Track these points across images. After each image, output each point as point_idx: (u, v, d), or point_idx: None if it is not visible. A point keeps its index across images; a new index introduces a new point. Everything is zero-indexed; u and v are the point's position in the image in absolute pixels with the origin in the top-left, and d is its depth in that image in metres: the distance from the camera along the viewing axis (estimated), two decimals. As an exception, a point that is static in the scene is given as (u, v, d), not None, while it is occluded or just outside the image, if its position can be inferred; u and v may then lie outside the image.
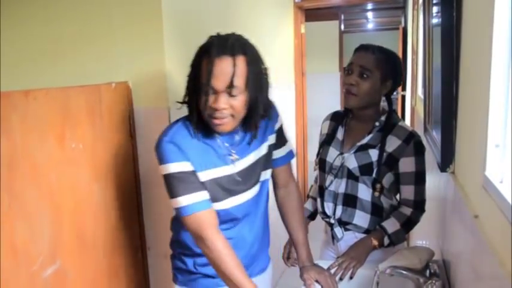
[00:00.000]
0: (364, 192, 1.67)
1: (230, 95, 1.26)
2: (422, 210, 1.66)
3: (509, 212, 0.76)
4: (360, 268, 1.59)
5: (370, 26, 10.06)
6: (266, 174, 1.55)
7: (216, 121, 1.28)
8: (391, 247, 1.66)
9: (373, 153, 1.64)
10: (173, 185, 1.29)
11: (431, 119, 1.97)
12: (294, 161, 3.79)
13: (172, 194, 1.30)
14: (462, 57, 1.30)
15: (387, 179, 1.64)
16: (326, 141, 1.79)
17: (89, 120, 1.48)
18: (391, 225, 1.64)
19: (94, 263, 1.51)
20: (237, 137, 1.41)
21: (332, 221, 1.74)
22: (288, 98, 3.96)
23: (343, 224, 1.72)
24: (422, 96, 2.66)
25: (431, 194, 1.64)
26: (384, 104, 1.72)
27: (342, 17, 7.31)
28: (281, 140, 1.58)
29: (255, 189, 1.48)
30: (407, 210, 1.64)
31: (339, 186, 1.71)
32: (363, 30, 9.97)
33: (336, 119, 1.83)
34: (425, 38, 2.29)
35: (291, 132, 4.07)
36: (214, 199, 1.35)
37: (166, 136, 1.30)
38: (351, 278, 1.58)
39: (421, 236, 2.34)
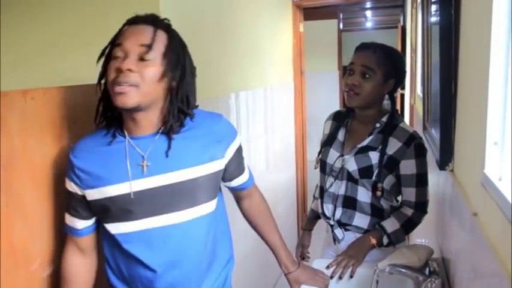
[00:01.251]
0: (363, 194, 1.65)
1: (141, 58, 1.10)
2: (424, 212, 1.64)
3: (508, 209, 0.76)
4: (359, 267, 1.59)
5: (369, 24, 10.07)
6: (207, 207, 1.26)
7: (118, 88, 1.08)
8: (391, 247, 1.65)
9: (373, 156, 1.62)
10: (67, 199, 1.26)
11: (430, 117, 1.97)
12: (292, 161, 3.84)
13: (66, 206, 1.28)
14: (461, 55, 1.30)
15: (388, 181, 1.62)
16: (327, 142, 1.77)
17: (87, 120, 1.47)
18: (390, 224, 1.63)
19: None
20: (154, 141, 1.19)
21: (332, 222, 1.74)
22: (287, 96, 3.96)
23: (343, 225, 1.71)
24: (421, 95, 2.66)
25: (430, 192, 1.64)
26: (386, 102, 1.70)
27: (341, 15, 7.31)
28: (241, 164, 1.39)
29: (180, 217, 1.21)
30: (408, 211, 1.63)
31: (339, 188, 1.69)
32: (361, 28, 9.99)
33: (338, 119, 1.80)
34: (424, 36, 2.29)
35: (290, 131, 4.07)
36: (112, 219, 1.22)
37: (72, 147, 1.24)
38: (350, 276, 1.57)
39: (421, 234, 2.34)
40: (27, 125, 1.21)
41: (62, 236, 1.34)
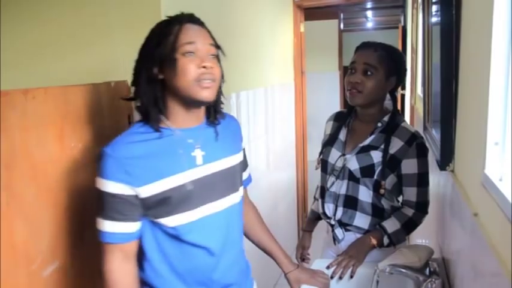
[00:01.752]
0: (364, 194, 1.65)
1: (213, 55, 1.22)
2: (425, 212, 1.64)
3: (509, 209, 0.76)
4: (359, 267, 1.59)
5: (369, 24, 10.06)
6: (234, 198, 1.34)
7: (206, 83, 1.17)
8: (392, 247, 1.65)
9: (375, 155, 1.62)
10: (103, 204, 1.19)
11: (431, 118, 1.98)
12: (293, 161, 3.85)
13: (99, 213, 1.20)
14: (461, 55, 1.30)
15: (389, 181, 1.62)
16: (328, 142, 1.78)
17: (88, 119, 1.47)
18: (391, 225, 1.63)
19: (94, 262, 1.51)
20: (203, 131, 1.28)
21: (332, 222, 1.73)
22: (287, 97, 3.96)
23: (344, 225, 1.71)
24: (421, 95, 2.66)
25: (431, 192, 1.64)
26: (387, 102, 1.70)
27: (342, 15, 7.31)
28: (245, 160, 1.49)
29: (228, 201, 1.30)
30: (409, 211, 1.63)
31: (340, 187, 1.69)
32: (362, 29, 9.98)
33: (340, 119, 1.81)
34: (424, 36, 2.29)
35: (290, 131, 4.07)
36: (170, 212, 1.21)
37: (108, 147, 1.18)
38: (351, 277, 1.57)
39: (421, 234, 2.34)
40: (28, 124, 1.21)
41: (62, 235, 1.34)
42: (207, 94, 1.18)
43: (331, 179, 1.72)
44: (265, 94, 3.24)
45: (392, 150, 1.60)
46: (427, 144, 1.66)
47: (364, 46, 1.67)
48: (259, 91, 3.09)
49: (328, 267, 1.59)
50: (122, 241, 1.21)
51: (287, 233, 3.73)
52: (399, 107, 6.36)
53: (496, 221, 0.84)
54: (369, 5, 7.71)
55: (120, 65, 1.74)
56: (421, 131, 2.15)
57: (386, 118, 1.65)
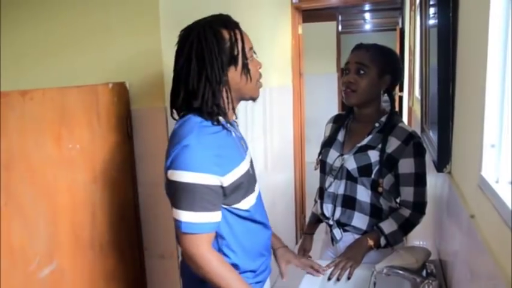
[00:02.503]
0: (362, 193, 1.66)
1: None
2: (422, 213, 1.65)
3: (505, 211, 0.76)
4: (357, 268, 1.59)
5: (367, 26, 10.08)
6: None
7: (260, 83, 1.36)
8: (389, 248, 1.65)
9: (372, 155, 1.63)
10: (190, 196, 1.20)
11: (428, 120, 1.98)
12: (291, 162, 3.86)
13: (186, 206, 1.21)
14: (458, 58, 1.30)
15: (387, 181, 1.63)
16: (327, 143, 1.80)
17: (86, 121, 1.47)
18: (388, 226, 1.63)
19: (91, 263, 1.51)
20: (235, 125, 1.45)
21: (331, 222, 1.74)
22: (285, 98, 3.96)
23: (342, 225, 1.72)
24: (419, 97, 2.66)
25: (428, 194, 1.65)
26: (385, 104, 1.72)
27: (340, 17, 7.32)
28: None
29: (257, 185, 1.47)
30: (406, 212, 1.64)
31: (338, 187, 1.71)
32: (360, 31, 10.00)
33: (338, 121, 1.84)
34: (422, 39, 2.29)
35: (288, 133, 4.07)
36: (243, 195, 1.33)
37: (193, 139, 1.21)
38: (348, 278, 1.58)
39: (418, 236, 2.34)
40: (26, 125, 1.21)
41: (60, 236, 1.34)
42: (259, 92, 1.38)
43: (330, 179, 1.74)
44: (264, 96, 3.24)
45: (390, 149, 1.61)
46: (425, 146, 1.67)
47: (358, 47, 1.71)
48: (258, 93, 3.09)
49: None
50: (212, 230, 1.26)
51: (285, 234, 3.73)
52: (397, 109, 6.41)
53: (493, 223, 0.84)
54: (367, 7, 7.72)
55: (118, 67, 1.74)
56: (418, 132, 2.15)
57: (383, 118, 1.67)
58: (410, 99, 4.41)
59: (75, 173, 1.42)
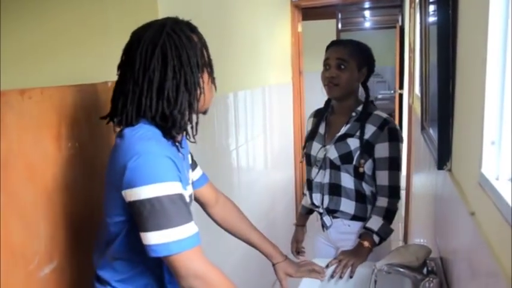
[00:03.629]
0: (346, 180, 1.77)
1: None
2: (398, 197, 1.74)
3: (506, 209, 0.76)
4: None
5: (367, 24, 10.07)
6: None
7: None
8: (384, 242, 1.73)
9: (352, 142, 1.75)
10: (167, 211, 1.03)
11: (428, 117, 1.98)
12: (291, 159, 3.84)
13: (164, 224, 1.03)
14: (458, 55, 1.30)
15: (368, 166, 1.74)
16: (310, 137, 1.92)
17: (85, 119, 1.47)
18: (374, 222, 1.71)
19: (91, 262, 1.50)
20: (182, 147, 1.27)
21: (321, 210, 1.86)
22: (285, 96, 3.96)
23: (331, 212, 1.83)
24: (419, 95, 2.66)
25: (427, 191, 1.65)
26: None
27: (339, 15, 7.31)
28: (193, 160, 1.47)
29: None
30: (383, 202, 1.72)
31: (324, 177, 1.82)
32: (360, 28, 9.99)
33: (318, 115, 1.98)
34: (422, 36, 2.29)
35: (288, 131, 4.07)
36: None
37: (155, 148, 1.08)
38: (350, 277, 1.59)
39: (418, 234, 2.34)
40: (24, 124, 1.21)
41: (59, 235, 1.34)
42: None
43: (315, 170, 1.86)
44: (263, 94, 3.23)
45: (366, 136, 1.72)
46: (424, 144, 1.69)
47: (335, 44, 1.88)
48: (257, 91, 3.09)
49: (327, 266, 1.60)
50: (199, 242, 1.09)
51: (285, 231, 3.73)
52: (397, 107, 6.41)
53: (493, 220, 0.84)
54: (366, 4, 7.72)
55: (116, 65, 1.74)
56: (418, 130, 2.15)
57: (359, 108, 1.80)
58: (410, 97, 4.40)
59: (74, 172, 1.42)
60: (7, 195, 1.13)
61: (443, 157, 1.43)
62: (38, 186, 1.26)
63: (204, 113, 1.25)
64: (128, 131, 1.14)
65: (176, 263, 1.05)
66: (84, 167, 1.47)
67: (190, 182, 1.28)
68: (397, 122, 6.49)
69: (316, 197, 1.87)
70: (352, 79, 1.79)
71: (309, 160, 1.91)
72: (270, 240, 1.56)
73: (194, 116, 1.21)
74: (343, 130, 1.79)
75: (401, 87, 6.40)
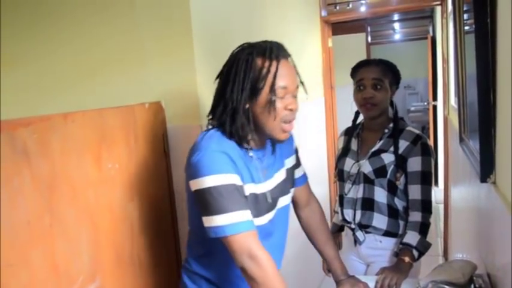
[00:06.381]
0: (380, 194, 1.79)
1: (294, 96, 1.31)
2: (430, 212, 1.76)
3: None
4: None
5: (397, 36, 9.95)
6: (285, 200, 1.47)
7: (289, 126, 1.29)
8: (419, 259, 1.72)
9: (385, 157, 1.79)
10: (223, 198, 1.16)
11: (467, 128, 1.93)
12: (325, 175, 3.81)
13: (221, 209, 1.16)
14: (498, 63, 1.27)
15: (402, 180, 1.77)
16: (342, 154, 1.96)
17: (124, 140, 1.50)
18: (411, 238, 1.70)
19: (132, 281, 1.52)
20: (266, 153, 1.38)
21: (353, 226, 1.87)
22: (318, 112, 3.94)
23: (364, 227, 1.84)
24: (455, 106, 2.59)
25: (469, 205, 1.60)
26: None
27: (369, 29, 7.27)
28: (299, 159, 1.59)
29: (272, 213, 1.39)
30: (417, 216, 1.73)
31: (357, 191, 1.84)
32: (390, 41, 9.87)
33: (348, 133, 2.02)
34: (456, 45, 2.24)
35: (322, 146, 4.04)
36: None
37: (214, 145, 1.21)
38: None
39: (460, 249, 2.27)
40: (67, 147, 1.24)
41: (101, 254, 1.36)
42: (286, 136, 1.31)
43: (348, 185, 1.88)
44: (299, 110, 3.23)
45: (399, 150, 1.76)
46: (464, 156, 1.67)
47: (366, 64, 1.91)
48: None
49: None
50: (253, 227, 1.20)
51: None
52: (431, 119, 6.27)
53: (546, 234, 0.80)
54: (395, 17, 7.64)
55: (153, 87, 1.78)
56: (456, 142, 2.10)
57: (391, 124, 1.84)
58: (445, 108, 4.31)
59: (114, 192, 1.45)
60: (52, 216, 1.16)
61: (486, 169, 1.39)
62: (81, 207, 1.29)
63: (275, 140, 1.33)
64: (202, 133, 1.30)
65: (231, 244, 1.16)
66: (123, 187, 1.50)
67: (262, 183, 1.33)
68: (432, 134, 6.35)
69: (348, 213, 1.89)
70: (387, 98, 1.83)
71: (341, 176, 1.93)
72: (340, 259, 1.60)
73: (252, 132, 1.29)
74: (377, 146, 1.83)
75: (434, 98, 6.28)
